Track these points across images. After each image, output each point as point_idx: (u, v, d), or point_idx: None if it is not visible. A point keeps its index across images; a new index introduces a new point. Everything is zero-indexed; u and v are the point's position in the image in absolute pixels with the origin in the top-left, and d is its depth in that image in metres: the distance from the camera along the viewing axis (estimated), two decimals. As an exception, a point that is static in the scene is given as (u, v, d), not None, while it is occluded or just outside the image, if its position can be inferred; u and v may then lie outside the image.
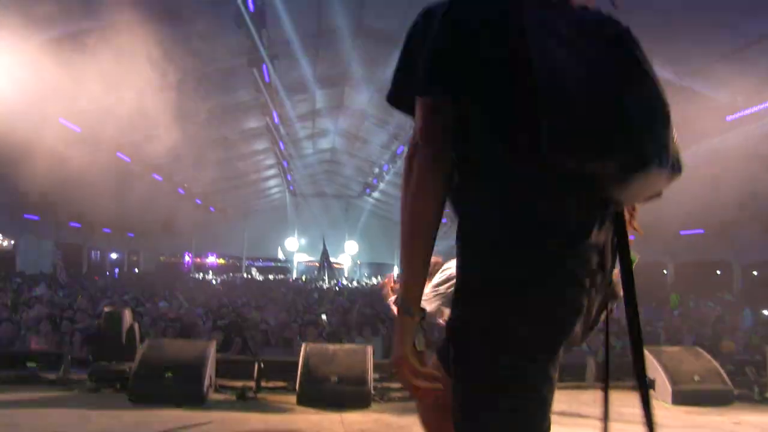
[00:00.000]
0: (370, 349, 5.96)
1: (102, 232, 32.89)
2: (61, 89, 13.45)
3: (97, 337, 6.20)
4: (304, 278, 35.88)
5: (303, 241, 41.93)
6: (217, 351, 6.31)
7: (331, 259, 38.04)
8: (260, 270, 42.14)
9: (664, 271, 26.15)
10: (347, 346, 6.22)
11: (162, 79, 15.51)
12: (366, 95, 20.62)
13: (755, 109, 12.72)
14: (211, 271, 39.59)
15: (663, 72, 10.71)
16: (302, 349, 5.93)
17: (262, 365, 6.06)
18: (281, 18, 15.61)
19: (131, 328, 6.27)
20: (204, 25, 14.14)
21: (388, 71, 17.94)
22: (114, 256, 38.26)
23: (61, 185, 20.93)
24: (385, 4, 16.29)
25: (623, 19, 1.54)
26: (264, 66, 16.64)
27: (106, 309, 6.53)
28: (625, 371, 6.82)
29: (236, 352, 7.85)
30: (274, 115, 20.48)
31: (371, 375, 5.68)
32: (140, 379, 5.47)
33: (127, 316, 6.28)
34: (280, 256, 44.52)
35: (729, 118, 13.34)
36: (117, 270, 35.05)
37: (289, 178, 33.75)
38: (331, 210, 39.86)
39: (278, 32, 15.87)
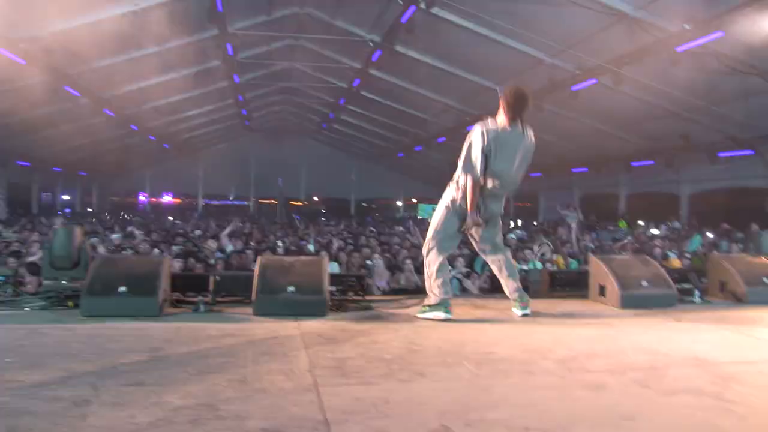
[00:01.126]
0: (325, 260, 6.00)
1: (52, 171, 32.18)
2: (1, 17, 12.96)
3: (46, 254, 6.07)
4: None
5: (261, 178, 41.52)
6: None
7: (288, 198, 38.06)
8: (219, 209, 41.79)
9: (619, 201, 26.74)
10: (303, 257, 6.24)
11: (111, 10, 15.04)
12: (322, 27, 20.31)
13: (703, 40, 12.82)
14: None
15: (618, 3, 10.76)
16: (258, 261, 5.94)
17: (218, 278, 6.06)
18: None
19: (82, 246, 6.18)
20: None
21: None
22: (66, 197, 37.50)
23: (6, 121, 20.37)
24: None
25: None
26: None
27: (56, 226, 6.42)
28: (575, 284, 7.11)
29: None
30: (228, 47, 20.05)
31: (327, 285, 5.72)
32: (93, 294, 5.41)
33: (78, 233, 6.18)
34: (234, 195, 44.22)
35: (679, 48, 13.42)
36: (69, 210, 34.35)
37: (244, 113, 33.26)
38: (287, 145, 39.46)
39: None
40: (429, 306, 5.67)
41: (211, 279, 6.02)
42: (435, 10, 15.33)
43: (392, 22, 17.16)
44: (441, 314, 5.56)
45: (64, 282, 5.97)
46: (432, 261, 5.74)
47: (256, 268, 5.81)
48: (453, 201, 5.72)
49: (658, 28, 13.58)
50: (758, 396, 3.41)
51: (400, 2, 15.76)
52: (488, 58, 17.90)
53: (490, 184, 5.59)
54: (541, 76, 17.42)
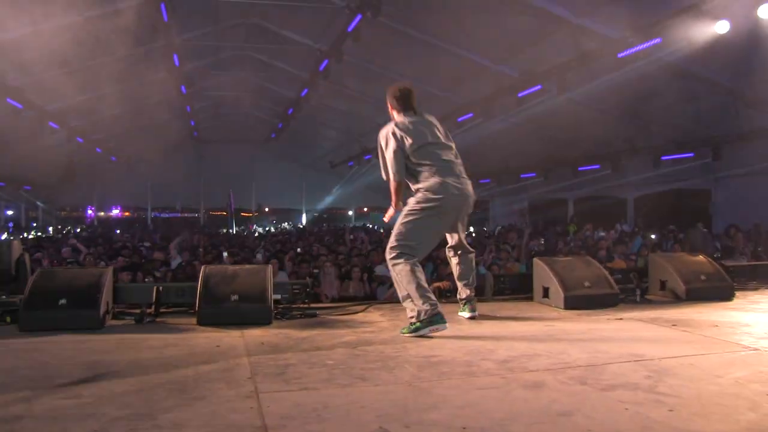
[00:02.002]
0: (269, 268, 5.96)
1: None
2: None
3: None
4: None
5: (210, 190, 41.04)
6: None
7: (237, 208, 37.61)
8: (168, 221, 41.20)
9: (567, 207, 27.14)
10: (247, 266, 6.22)
11: (56, 19, 14.76)
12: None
13: (644, 46, 13.13)
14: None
15: (560, 10, 11.00)
16: (201, 270, 5.88)
17: (161, 289, 5.99)
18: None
19: (21, 259, 6.05)
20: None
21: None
22: (10, 212, 36.56)
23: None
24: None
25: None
26: (162, 5, 16.04)
27: (-7, 240, 6.27)
28: (517, 288, 7.24)
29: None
30: (175, 57, 19.86)
31: (271, 293, 5.69)
32: (31, 307, 5.29)
33: (16, 246, 6.04)
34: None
35: (620, 54, 13.72)
36: (11, 225, 33.48)
37: (192, 123, 32.91)
38: (237, 155, 39.07)
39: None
40: (420, 321, 5.08)
41: (154, 289, 5.94)
42: (381, 19, 15.41)
43: (339, 32, 17.21)
44: (441, 326, 5.09)
45: (3, 297, 5.83)
46: (406, 276, 5.25)
47: (200, 278, 5.76)
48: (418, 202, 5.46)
49: (600, 35, 13.87)
50: (689, 387, 3.51)
51: (347, 11, 15.82)
52: (432, 65, 18.05)
53: (428, 170, 5.45)
54: (487, 83, 17.63)
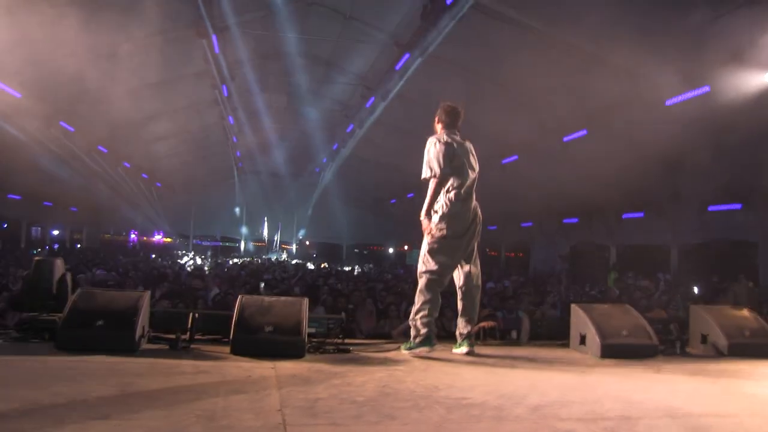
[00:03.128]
0: (305, 301, 5.96)
1: (43, 205, 32.07)
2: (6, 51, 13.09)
3: (26, 286, 6.03)
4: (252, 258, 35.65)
5: (252, 220, 41.53)
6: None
7: (278, 239, 37.92)
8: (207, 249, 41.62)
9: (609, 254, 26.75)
10: (283, 298, 6.20)
11: (108, 48, 15.19)
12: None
13: (692, 93, 13.04)
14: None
15: (609, 55, 10.98)
16: (238, 300, 5.91)
17: (197, 316, 6.02)
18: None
19: (63, 278, 6.15)
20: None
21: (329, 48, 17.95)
22: (56, 232, 37.37)
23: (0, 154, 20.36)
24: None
25: None
26: (214, 37, 16.43)
27: (36, 258, 6.38)
28: (555, 332, 7.11)
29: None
30: (224, 88, 20.26)
31: (306, 326, 5.69)
32: (69, 327, 5.36)
33: (59, 265, 6.15)
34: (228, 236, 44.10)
35: (668, 102, 13.64)
36: (57, 246, 34.19)
37: (238, 154, 33.38)
38: (281, 187, 39.46)
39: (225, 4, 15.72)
40: (413, 342, 5.83)
41: (190, 316, 5.98)
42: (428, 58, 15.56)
43: (387, 68, 17.39)
44: (426, 348, 5.75)
45: (43, 315, 5.93)
46: (421, 295, 5.89)
47: (236, 307, 5.78)
48: (437, 229, 5.91)
49: (648, 81, 13.78)
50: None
51: (395, 48, 16.01)
52: (480, 105, 18.08)
53: (454, 192, 5.86)
54: (533, 126, 17.63)
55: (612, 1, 12.31)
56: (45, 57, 14.35)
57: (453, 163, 5.88)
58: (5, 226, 32.55)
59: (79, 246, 37.38)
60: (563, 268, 25.58)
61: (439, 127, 6.14)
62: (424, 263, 5.95)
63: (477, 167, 6.10)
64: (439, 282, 5.93)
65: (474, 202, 6.03)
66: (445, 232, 5.87)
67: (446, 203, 5.89)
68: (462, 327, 6.06)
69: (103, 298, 5.84)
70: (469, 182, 5.98)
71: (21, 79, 15.09)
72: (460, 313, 6.11)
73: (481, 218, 6.10)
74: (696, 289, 16.38)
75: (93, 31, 13.57)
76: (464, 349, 5.98)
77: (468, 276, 6.09)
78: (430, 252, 5.93)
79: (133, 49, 15.39)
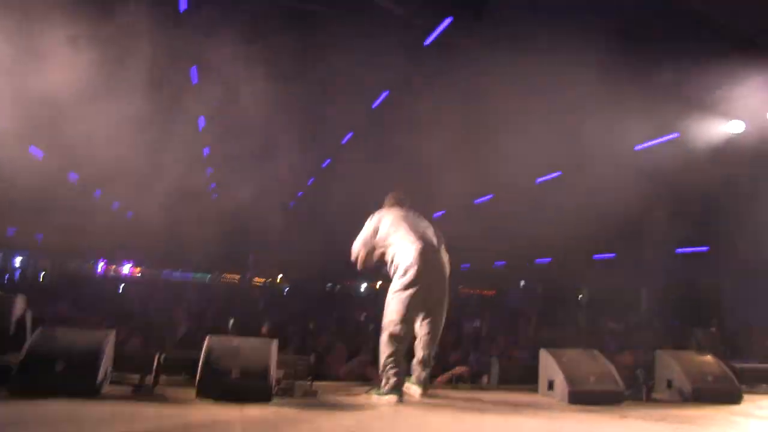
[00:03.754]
0: (274, 344, 5.88)
1: (5, 231, 31.42)
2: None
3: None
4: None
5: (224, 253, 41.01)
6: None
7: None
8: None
9: (579, 296, 26.93)
10: (252, 339, 6.11)
11: (84, 71, 15.03)
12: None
13: (661, 139, 13.34)
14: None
15: (579, 101, 11.11)
16: (206, 340, 5.81)
17: (162, 358, 5.90)
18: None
19: (22, 317, 5.98)
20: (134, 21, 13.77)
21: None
22: (18, 259, 36.67)
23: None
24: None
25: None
26: (193, 68, 16.44)
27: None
28: (524, 377, 7.11)
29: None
30: (200, 120, 20.22)
31: (274, 370, 5.61)
32: (26, 370, 5.15)
33: (20, 303, 5.99)
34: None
35: (637, 147, 13.91)
36: (18, 273, 33.47)
37: (213, 186, 33.20)
38: (257, 220, 39.11)
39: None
40: (383, 389, 5.87)
41: (156, 357, 5.86)
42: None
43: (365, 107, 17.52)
44: (393, 398, 5.77)
45: (-1, 358, 5.72)
46: (385, 345, 5.99)
47: (203, 349, 5.68)
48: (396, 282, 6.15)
49: (619, 127, 14.00)
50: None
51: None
52: (452, 147, 18.23)
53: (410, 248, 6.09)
54: (506, 167, 17.77)
55: (586, 49, 12.55)
56: (18, 77, 14.15)
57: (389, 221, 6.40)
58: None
59: (43, 273, 36.62)
60: (532, 308, 25.67)
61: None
62: (385, 316, 6.12)
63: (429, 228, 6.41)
64: (400, 338, 6.03)
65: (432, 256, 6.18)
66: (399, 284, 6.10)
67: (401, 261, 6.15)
68: (417, 369, 6.19)
69: (64, 338, 5.63)
70: (417, 230, 6.31)
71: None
72: (417, 355, 6.23)
73: (446, 272, 6.28)
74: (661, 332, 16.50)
75: (72, 57, 13.48)
76: (418, 389, 6.09)
77: (426, 325, 6.23)
78: (389, 304, 6.13)
79: (113, 75, 15.25)
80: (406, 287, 6.02)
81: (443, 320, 6.31)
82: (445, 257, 6.28)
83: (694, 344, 12.87)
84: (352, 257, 6.58)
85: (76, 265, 42.17)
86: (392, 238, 6.26)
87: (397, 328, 5.99)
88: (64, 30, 12.38)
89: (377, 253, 6.41)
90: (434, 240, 6.25)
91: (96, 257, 42.28)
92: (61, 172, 22.29)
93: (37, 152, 19.61)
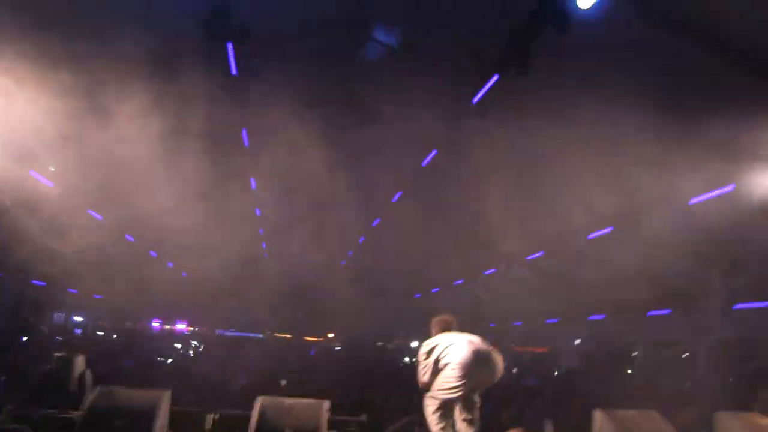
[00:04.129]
0: (325, 404, 5.87)
1: (67, 292, 32.16)
2: (35, 140, 13.38)
3: (45, 383, 6.00)
4: None
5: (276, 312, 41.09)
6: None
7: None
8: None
9: (634, 352, 26.16)
10: (304, 400, 6.11)
11: (137, 138, 15.49)
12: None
13: (717, 192, 13.08)
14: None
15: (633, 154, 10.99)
16: (258, 402, 5.82)
17: (217, 417, 5.93)
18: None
19: (83, 375, 6.12)
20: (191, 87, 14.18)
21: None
22: (79, 318, 37.35)
23: (27, 242, 20.59)
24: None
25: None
26: (243, 131, 16.78)
27: (57, 354, 6.37)
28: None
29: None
30: (252, 181, 20.56)
31: (325, 429, 5.58)
32: (87, 427, 5.30)
33: (80, 362, 6.14)
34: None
35: (692, 201, 13.66)
36: (79, 331, 34.13)
37: (264, 246, 33.49)
38: (307, 282, 39.23)
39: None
40: None
41: (210, 417, 5.89)
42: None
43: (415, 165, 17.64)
44: None
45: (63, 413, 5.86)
46: (430, 404, 6.46)
47: (255, 409, 5.69)
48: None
49: (673, 181, 13.78)
50: None
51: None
52: (503, 203, 18.19)
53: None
54: (557, 223, 17.61)
55: (638, 98, 12.49)
56: (75, 147, 14.61)
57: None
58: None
59: (101, 333, 37.21)
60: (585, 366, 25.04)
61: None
62: (434, 390, 6.50)
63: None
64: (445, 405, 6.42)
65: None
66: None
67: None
68: (464, 430, 6.44)
69: (122, 397, 5.77)
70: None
71: (53, 169, 15.41)
72: (461, 417, 6.50)
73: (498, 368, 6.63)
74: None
75: (119, 119, 13.94)
76: None
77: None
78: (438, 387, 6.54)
79: (161, 141, 15.65)
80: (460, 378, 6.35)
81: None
82: (495, 358, 6.59)
83: (759, 406, 12.30)
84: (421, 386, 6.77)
85: (132, 324, 42.77)
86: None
87: (439, 396, 6.38)
88: (123, 97, 12.89)
89: None
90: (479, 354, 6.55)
91: (151, 316, 42.78)
92: (117, 233, 22.79)
93: (95, 215, 20.15)
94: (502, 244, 18.39)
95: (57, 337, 22.98)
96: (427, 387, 6.58)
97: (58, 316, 34.95)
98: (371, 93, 15.23)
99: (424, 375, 6.62)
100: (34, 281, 27.63)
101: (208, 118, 16.11)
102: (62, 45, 11.03)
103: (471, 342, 6.53)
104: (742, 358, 19.85)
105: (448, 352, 6.45)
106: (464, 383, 6.25)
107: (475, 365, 6.32)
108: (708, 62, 11.34)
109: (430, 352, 6.59)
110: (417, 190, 18.97)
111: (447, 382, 6.31)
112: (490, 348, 6.58)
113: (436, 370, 6.56)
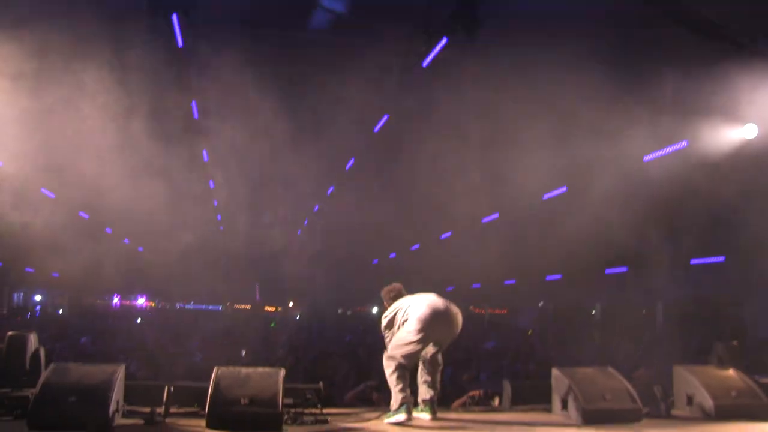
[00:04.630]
0: (281, 372, 5.87)
1: (25, 271, 31.68)
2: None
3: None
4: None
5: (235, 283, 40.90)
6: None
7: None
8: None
9: (593, 311, 26.66)
10: (260, 369, 6.09)
11: (88, 114, 15.18)
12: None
13: (670, 149, 13.22)
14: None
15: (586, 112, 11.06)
16: (214, 371, 5.81)
17: (172, 389, 5.91)
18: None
19: (36, 353, 6.04)
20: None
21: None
22: (38, 297, 36.95)
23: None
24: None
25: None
26: (193, 103, 16.55)
27: (9, 333, 6.27)
28: (535, 395, 7.01)
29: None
30: (204, 153, 20.30)
31: (282, 397, 5.59)
32: (41, 404, 5.24)
33: (32, 340, 6.05)
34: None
35: (646, 158, 13.80)
36: (38, 308, 33.79)
37: (219, 218, 33.25)
38: (264, 250, 39.06)
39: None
40: (393, 411, 6.07)
41: (165, 389, 5.86)
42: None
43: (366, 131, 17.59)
44: (402, 416, 5.97)
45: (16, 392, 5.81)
46: (388, 365, 6.24)
47: (212, 379, 5.68)
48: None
49: (626, 138, 13.92)
50: None
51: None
52: (457, 166, 18.25)
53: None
54: (512, 187, 17.74)
55: (587, 58, 12.55)
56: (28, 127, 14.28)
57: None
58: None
59: (60, 312, 36.85)
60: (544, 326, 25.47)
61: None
62: (392, 348, 6.37)
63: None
64: (405, 366, 6.26)
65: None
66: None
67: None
68: (424, 393, 6.37)
69: (76, 373, 5.69)
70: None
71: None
72: (422, 379, 6.45)
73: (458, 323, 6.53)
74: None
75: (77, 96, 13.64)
76: (426, 415, 6.25)
77: (434, 354, 6.50)
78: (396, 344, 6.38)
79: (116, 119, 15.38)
80: (418, 332, 6.27)
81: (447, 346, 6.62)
82: (453, 311, 6.50)
83: (715, 359, 12.60)
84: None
85: (91, 301, 42.35)
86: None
87: (401, 362, 6.22)
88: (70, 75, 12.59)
89: None
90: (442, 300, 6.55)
91: (110, 292, 42.42)
92: (71, 210, 22.33)
93: (48, 193, 19.73)
94: (457, 208, 18.46)
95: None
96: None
97: (17, 296, 34.51)
98: (321, 60, 15.08)
99: (386, 329, 6.66)
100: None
101: (157, 92, 15.85)
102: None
103: (427, 297, 6.51)
104: (696, 315, 20.35)
105: (407, 312, 6.41)
106: (422, 336, 6.19)
107: (433, 319, 6.25)
108: (656, 18, 11.41)
109: (391, 321, 6.56)
110: (369, 156, 18.92)
111: (404, 338, 6.24)
112: (448, 302, 6.49)
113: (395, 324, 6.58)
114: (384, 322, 6.67)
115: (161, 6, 12.19)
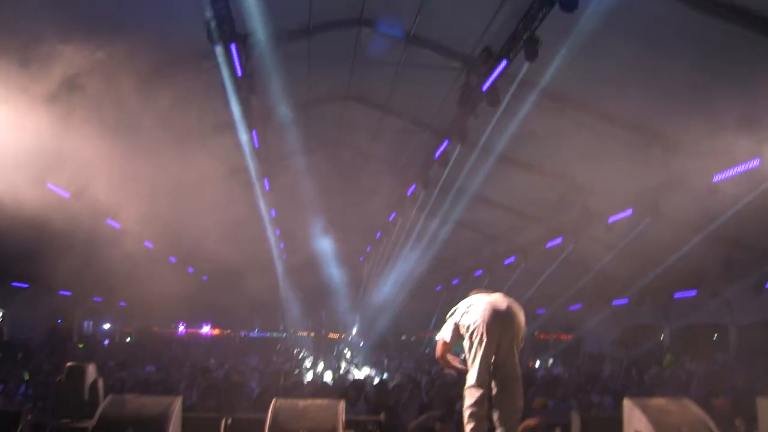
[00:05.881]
0: (341, 405, 5.72)
1: (93, 301, 32.48)
2: (48, 152, 13.37)
3: (57, 393, 5.93)
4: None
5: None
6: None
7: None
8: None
9: (661, 335, 25.82)
10: (318, 401, 5.94)
11: (152, 145, 15.46)
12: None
13: (742, 168, 12.67)
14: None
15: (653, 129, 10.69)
16: (272, 403, 5.68)
17: (229, 422, 5.81)
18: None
19: (94, 384, 6.03)
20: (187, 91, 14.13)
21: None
22: (106, 326, 37.81)
23: (50, 252, 20.69)
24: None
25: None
26: (254, 132, 16.70)
27: (69, 364, 6.28)
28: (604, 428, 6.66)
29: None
30: (265, 182, 20.49)
31: (343, 430, 5.43)
32: (99, 435, 5.21)
33: (91, 371, 6.04)
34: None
35: (716, 178, 13.27)
36: (107, 341, 34.53)
37: (282, 246, 33.46)
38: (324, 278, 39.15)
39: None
40: None
41: (222, 422, 5.77)
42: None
43: (426, 157, 17.50)
44: None
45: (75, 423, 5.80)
46: (466, 395, 6.07)
47: (270, 411, 5.56)
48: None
49: (695, 157, 13.43)
50: None
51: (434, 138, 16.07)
52: (522, 189, 17.98)
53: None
54: (577, 208, 17.35)
55: (655, 78, 12.22)
56: (90, 158, 14.61)
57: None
58: (60, 321, 33.05)
59: (128, 340, 37.64)
60: (615, 352, 24.74)
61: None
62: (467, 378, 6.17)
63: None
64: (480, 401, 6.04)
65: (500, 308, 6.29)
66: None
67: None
68: (496, 419, 6.12)
69: (134, 405, 5.66)
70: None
71: (68, 180, 15.44)
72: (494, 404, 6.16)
73: (519, 322, 6.30)
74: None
75: (136, 130, 13.94)
76: None
77: (501, 367, 6.22)
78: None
79: (176, 147, 15.62)
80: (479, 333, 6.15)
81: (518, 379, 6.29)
82: (514, 309, 6.33)
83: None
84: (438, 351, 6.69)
85: (158, 330, 43.18)
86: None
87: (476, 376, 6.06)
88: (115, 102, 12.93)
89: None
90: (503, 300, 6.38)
91: (176, 321, 43.16)
92: (136, 241, 22.81)
93: (114, 224, 20.21)
94: (521, 229, 18.22)
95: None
96: (446, 348, 6.54)
97: (87, 324, 35.39)
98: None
99: (443, 334, 6.57)
100: (61, 291, 27.90)
101: (219, 124, 16.13)
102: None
103: (490, 296, 6.41)
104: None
105: (468, 311, 6.35)
106: (487, 339, 6.06)
107: (493, 318, 6.11)
108: (731, 33, 10.92)
109: (452, 313, 6.51)
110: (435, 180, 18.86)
111: (470, 346, 6.18)
112: (510, 300, 6.36)
113: (457, 333, 6.44)
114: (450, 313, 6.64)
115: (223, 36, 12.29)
